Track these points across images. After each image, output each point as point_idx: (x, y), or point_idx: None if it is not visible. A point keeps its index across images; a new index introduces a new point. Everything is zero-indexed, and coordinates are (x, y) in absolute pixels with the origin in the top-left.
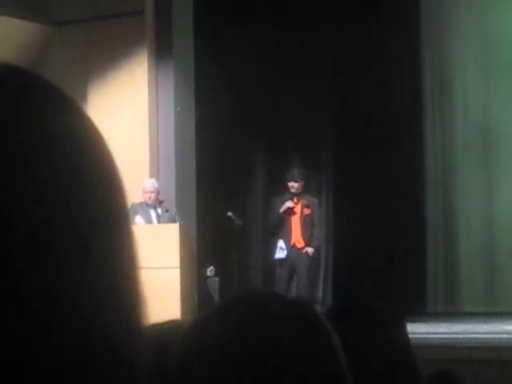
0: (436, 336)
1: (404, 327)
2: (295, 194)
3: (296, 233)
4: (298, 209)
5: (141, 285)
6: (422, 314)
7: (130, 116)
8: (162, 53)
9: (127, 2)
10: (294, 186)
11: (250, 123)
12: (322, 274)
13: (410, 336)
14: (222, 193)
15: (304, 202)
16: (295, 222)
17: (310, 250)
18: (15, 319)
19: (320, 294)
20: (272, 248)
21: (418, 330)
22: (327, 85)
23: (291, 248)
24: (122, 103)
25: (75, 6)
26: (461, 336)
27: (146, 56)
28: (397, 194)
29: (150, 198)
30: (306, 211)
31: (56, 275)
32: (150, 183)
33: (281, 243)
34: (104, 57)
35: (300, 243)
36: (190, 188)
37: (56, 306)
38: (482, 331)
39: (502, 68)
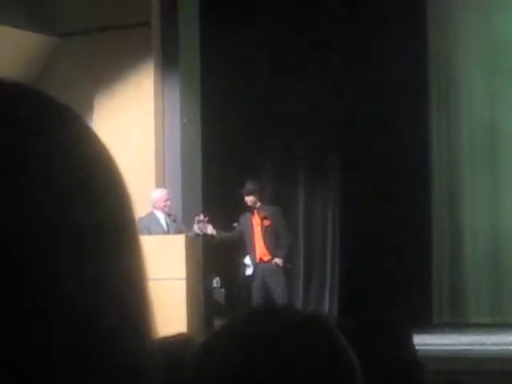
0: (442, 347)
1: (411, 338)
2: (253, 208)
3: (260, 246)
4: (257, 222)
5: (149, 294)
6: (428, 325)
7: (137, 127)
8: (168, 64)
9: (133, 14)
10: (248, 199)
11: (256, 134)
12: (328, 284)
13: (416, 347)
14: (227, 204)
15: (263, 213)
16: (257, 235)
17: (278, 260)
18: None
19: (326, 306)
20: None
21: (424, 341)
22: (332, 91)
23: (258, 262)
24: (128, 115)
25: (81, 17)
26: (467, 347)
27: (152, 68)
28: (402, 204)
29: (168, 207)
30: (266, 223)
31: (60, 284)
32: (165, 192)
33: (246, 259)
34: (110, 68)
35: (266, 256)
36: (196, 199)
37: (61, 315)
38: (488, 342)
39: (508, 67)
